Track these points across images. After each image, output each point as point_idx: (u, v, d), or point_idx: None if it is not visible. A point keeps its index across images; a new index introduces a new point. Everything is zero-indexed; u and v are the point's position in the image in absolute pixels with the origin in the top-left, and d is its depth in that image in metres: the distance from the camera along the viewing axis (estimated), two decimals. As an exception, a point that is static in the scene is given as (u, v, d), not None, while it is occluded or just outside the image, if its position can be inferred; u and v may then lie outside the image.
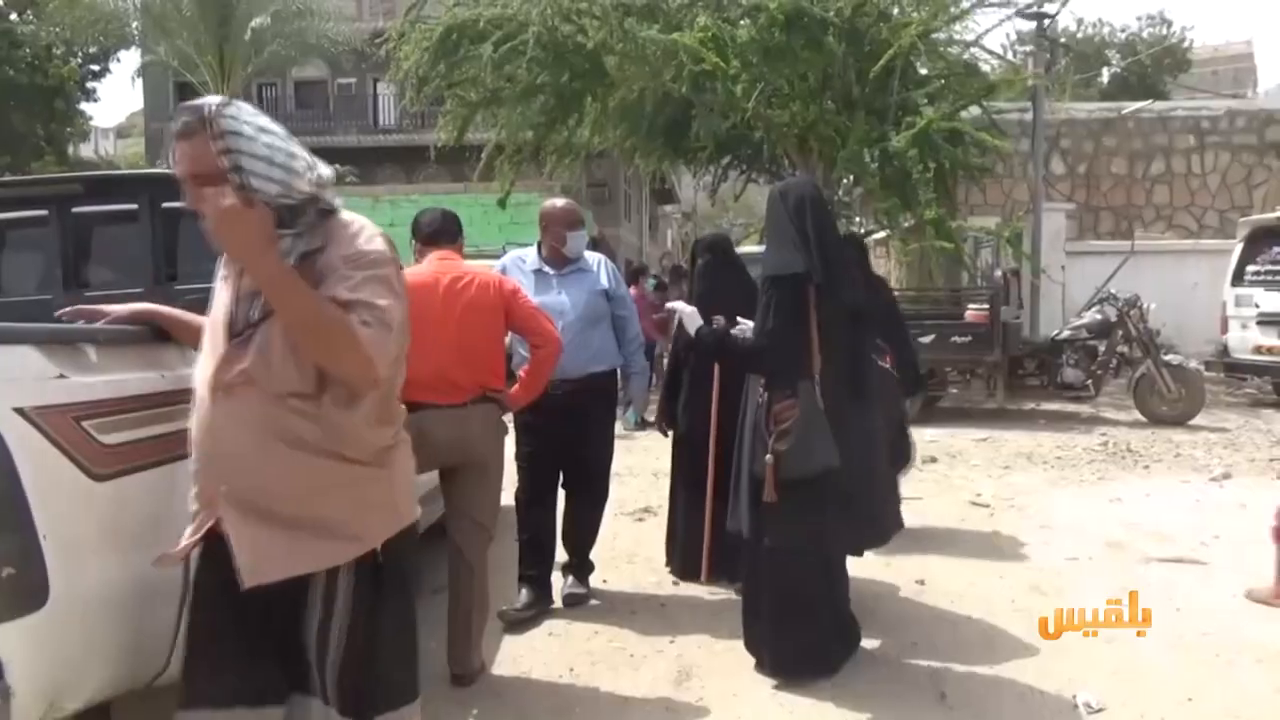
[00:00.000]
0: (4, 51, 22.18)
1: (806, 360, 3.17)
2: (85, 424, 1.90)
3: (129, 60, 41.47)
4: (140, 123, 35.71)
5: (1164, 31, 33.80)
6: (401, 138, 27.13)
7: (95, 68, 26.48)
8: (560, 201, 4.21)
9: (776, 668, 3.34)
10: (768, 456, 3.17)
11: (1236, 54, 65.23)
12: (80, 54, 25.50)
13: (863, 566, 3.72)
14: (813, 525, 3.21)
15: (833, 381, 3.19)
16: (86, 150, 35.04)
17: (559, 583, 4.18)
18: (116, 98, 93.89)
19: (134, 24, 21.06)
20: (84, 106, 27.23)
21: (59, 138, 25.70)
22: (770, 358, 3.27)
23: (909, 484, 4.37)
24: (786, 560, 3.27)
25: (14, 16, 24.19)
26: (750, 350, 3.38)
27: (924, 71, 11.17)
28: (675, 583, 4.43)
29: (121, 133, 53.56)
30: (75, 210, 3.63)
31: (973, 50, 11.34)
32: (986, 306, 9.46)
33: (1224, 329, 10.33)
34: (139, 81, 25.63)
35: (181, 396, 2.21)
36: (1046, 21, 12.71)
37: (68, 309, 2.25)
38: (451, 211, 3.59)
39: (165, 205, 3.61)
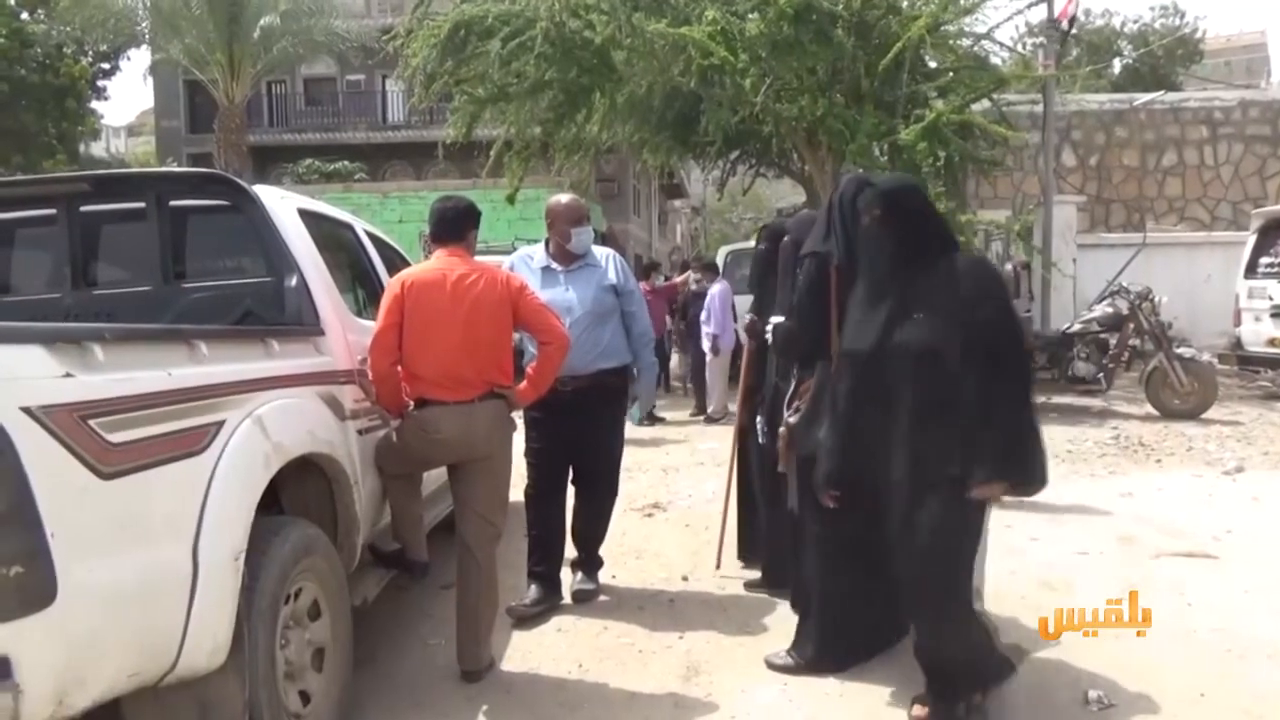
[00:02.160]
0: (15, 51, 22.26)
1: (826, 341, 3.22)
2: (92, 422, 1.90)
3: (139, 59, 41.57)
4: (151, 121, 35.87)
5: (1176, 21, 33.58)
6: (410, 134, 27.18)
7: (106, 66, 26.56)
8: (565, 197, 4.16)
9: (795, 650, 3.37)
10: (781, 429, 3.40)
11: (1250, 44, 64.78)
12: (91, 53, 25.58)
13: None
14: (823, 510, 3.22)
15: None
16: (98, 149, 35.18)
17: (568, 579, 4.18)
18: (127, 96, 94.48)
19: (144, 22, 21.15)
20: (95, 105, 27.28)
21: (70, 136, 25.80)
22: (794, 337, 3.41)
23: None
24: (809, 547, 3.31)
25: (25, 16, 24.28)
26: (781, 331, 3.54)
27: (933, 64, 11.13)
28: (684, 578, 4.43)
29: (133, 131, 53.84)
30: (83, 209, 3.62)
31: (983, 43, 11.30)
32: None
33: (1237, 321, 10.26)
34: (150, 80, 25.72)
35: (188, 395, 2.23)
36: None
37: None
38: (460, 205, 3.48)
39: (174, 204, 3.61)
